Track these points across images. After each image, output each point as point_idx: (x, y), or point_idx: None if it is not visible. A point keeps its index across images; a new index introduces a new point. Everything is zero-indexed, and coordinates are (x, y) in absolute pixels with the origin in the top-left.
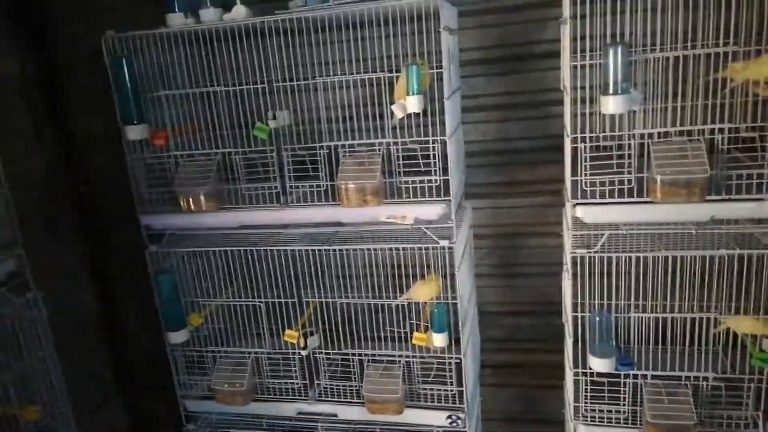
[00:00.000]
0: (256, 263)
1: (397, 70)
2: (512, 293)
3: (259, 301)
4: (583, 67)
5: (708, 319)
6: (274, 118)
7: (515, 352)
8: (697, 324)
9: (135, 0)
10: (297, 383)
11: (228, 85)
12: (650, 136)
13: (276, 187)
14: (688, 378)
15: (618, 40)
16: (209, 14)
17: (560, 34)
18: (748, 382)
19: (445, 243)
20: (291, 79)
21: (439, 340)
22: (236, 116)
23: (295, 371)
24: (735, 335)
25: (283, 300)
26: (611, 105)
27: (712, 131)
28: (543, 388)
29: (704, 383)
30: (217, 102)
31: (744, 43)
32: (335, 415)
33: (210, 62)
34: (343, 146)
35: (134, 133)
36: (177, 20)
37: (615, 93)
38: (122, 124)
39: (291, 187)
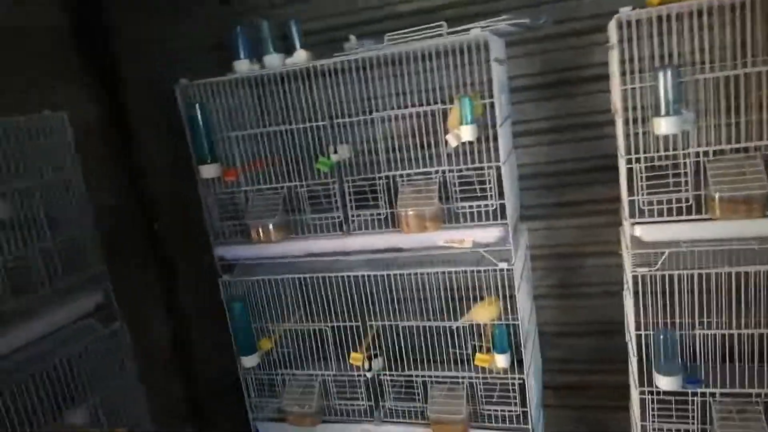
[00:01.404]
0: (322, 289)
1: (450, 101)
2: (571, 314)
3: (325, 325)
4: (633, 89)
5: None
6: (336, 152)
7: (576, 373)
8: (765, 339)
9: (203, 47)
10: (363, 405)
11: (292, 123)
12: (705, 153)
13: (339, 217)
14: (758, 395)
15: (667, 61)
16: (273, 60)
17: (607, 58)
18: None
19: (504, 265)
20: (350, 115)
21: (501, 360)
22: (300, 152)
23: (361, 393)
24: None
25: (347, 324)
26: (663, 126)
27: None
28: (606, 409)
29: None
30: (282, 140)
31: None
32: None
33: (274, 102)
34: (401, 175)
35: (208, 171)
36: (243, 66)
37: (667, 114)
38: (196, 163)
39: (353, 215)
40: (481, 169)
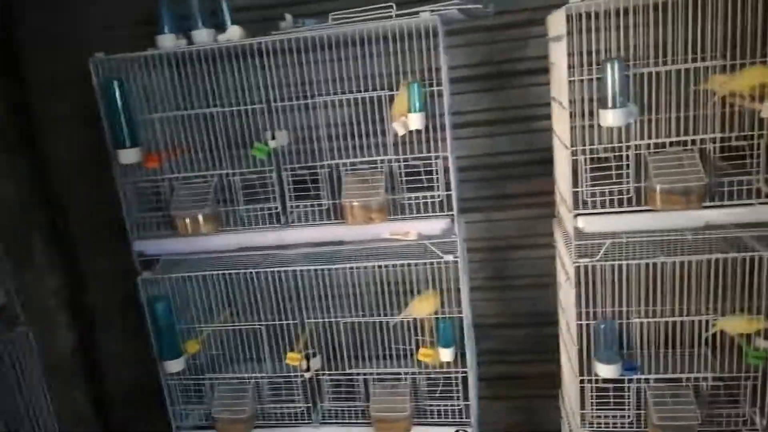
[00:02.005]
0: (256, 285)
1: (396, 87)
2: (504, 305)
3: (259, 324)
4: (581, 81)
5: (704, 321)
6: (273, 138)
7: (509, 363)
8: (695, 327)
9: (124, 21)
10: (300, 407)
11: (224, 105)
12: (647, 146)
13: (276, 207)
14: (689, 379)
15: (611, 55)
16: (203, 36)
17: (546, 51)
18: (744, 380)
19: (449, 257)
20: (289, 99)
21: (446, 354)
22: (233, 137)
23: (298, 394)
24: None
25: (284, 322)
26: (610, 118)
27: (703, 141)
28: (538, 398)
29: (704, 384)
30: (213, 123)
31: (729, 57)
32: None
33: (204, 82)
34: (345, 164)
35: (126, 157)
36: (168, 42)
37: (613, 107)
38: (113, 148)
39: (291, 206)
40: (429, 159)
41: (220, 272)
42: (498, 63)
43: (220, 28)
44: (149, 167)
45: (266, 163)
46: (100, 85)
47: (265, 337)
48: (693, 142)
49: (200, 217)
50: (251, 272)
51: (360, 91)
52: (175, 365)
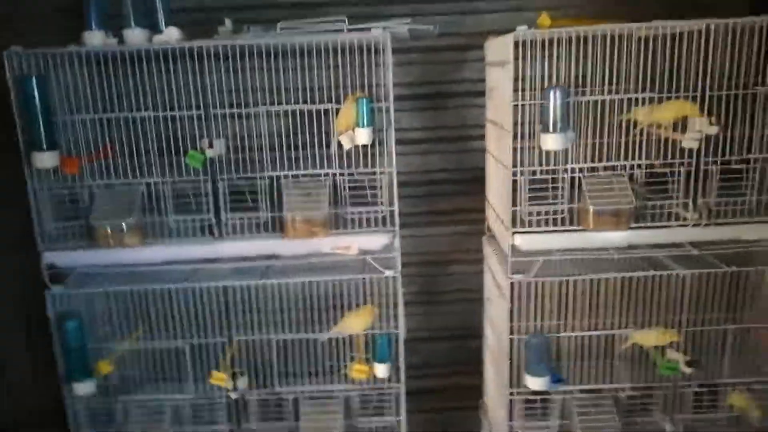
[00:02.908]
0: (181, 301)
1: (336, 101)
2: (431, 319)
3: (183, 342)
4: (516, 106)
5: (623, 335)
6: (210, 146)
7: (433, 377)
8: (615, 340)
9: (45, 15)
10: (224, 429)
11: (157, 110)
12: (581, 170)
13: (209, 219)
14: (609, 390)
15: (552, 82)
16: (136, 36)
17: (481, 74)
18: (657, 389)
19: (390, 273)
20: (230, 106)
21: (382, 370)
22: (165, 143)
23: (222, 416)
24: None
25: (210, 340)
26: (550, 142)
27: (632, 166)
28: (459, 410)
29: (622, 394)
30: (143, 128)
31: (656, 89)
32: None
33: (136, 84)
34: (286, 176)
35: (42, 160)
36: (95, 39)
37: (554, 131)
38: (26, 151)
39: (227, 218)
40: (373, 174)
41: (141, 287)
42: (435, 83)
43: (155, 28)
44: (67, 172)
45: (201, 172)
46: (15, 81)
47: (188, 356)
48: (623, 167)
49: (124, 227)
50: (174, 288)
51: (303, 102)
52: (84, 387)
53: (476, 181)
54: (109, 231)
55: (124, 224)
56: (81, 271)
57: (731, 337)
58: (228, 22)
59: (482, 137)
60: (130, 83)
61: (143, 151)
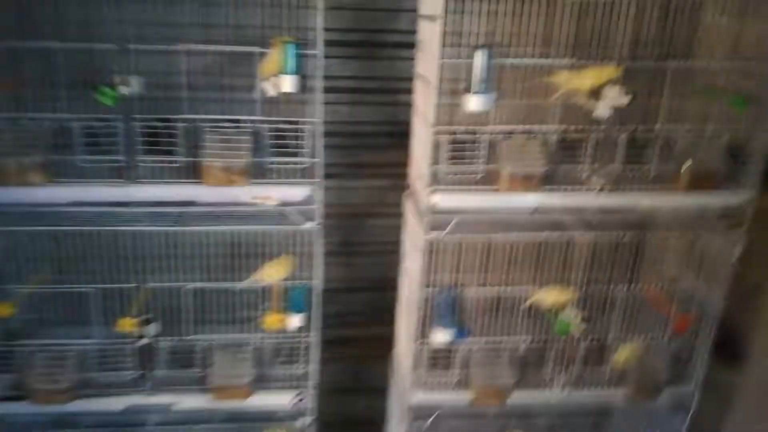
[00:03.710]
0: (89, 245)
1: (265, 44)
2: (349, 271)
3: (89, 287)
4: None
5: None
6: (126, 83)
7: (347, 326)
8: (520, 298)
9: None
10: (131, 375)
11: (68, 40)
12: (499, 132)
13: (121, 161)
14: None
15: (485, 42)
16: None
17: (415, 26)
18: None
19: (309, 225)
20: (147, 42)
21: (296, 321)
22: (76, 77)
23: (129, 362)
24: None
25: (118, 286)
26: (473, 103)
27: (547, 131)
28: (371, 359)
29: (522, 348)
30: (53, 59)
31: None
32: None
33: (45, 12)
34: (205, 120)
35: None
36: None
37: (478, 92)
38: None
39: (140, 161)
40: (296, 123)
41: (46, 228)
42: (368, 32)
43: None
44: None
45: (114, 111)
46: None
47: (95, 301)
48: (539, 131)
49: (28, 166)
50: (84, 231)
51: (228, 42)
52: None
53: (402, 135)
54: (11, 168)
55: (28, 162)
56: None
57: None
58: None
59: (411, 91)
60: (44, 11)
61: (53, 85)
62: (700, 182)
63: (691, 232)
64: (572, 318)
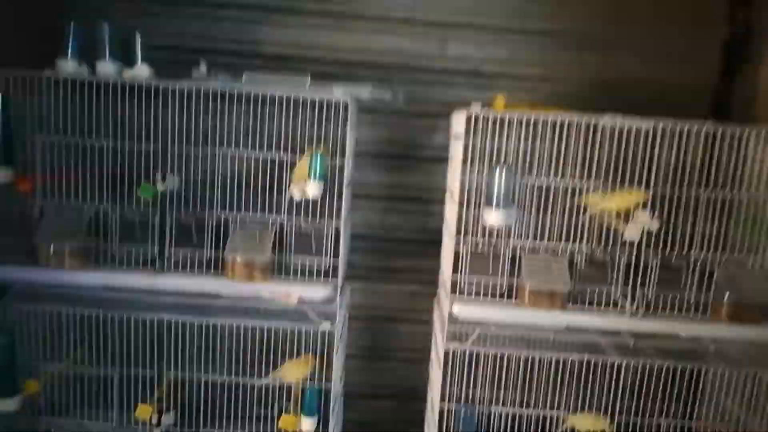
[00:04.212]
0: (117, 330)
1: (301, 153)
2: (375, 376)
3: (112, 371)
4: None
5: (554, 416)
6: (164, 180)
7: None
8: (544, 421)
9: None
10: None
11: (117, 139)
12: (522, 247)
13: (154, 251)
14: None
15: (504, 161)
16: (107, 68)
17: (446, 143)
18: None
19: (327, 325)
20: (188, 144)
21: (307, 424)
22: (120, 173)
23: None
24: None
25: (140, 372)
26: (493, 217)
27: (572, 250)
28: None
29: None
30: (101, 156)
31: (602, 179)
32: None
33: (101, 113)
34: (234, 218)
35: None
36: (69, 68)
37: (497, 207)
38: None
39: (170, 252)
40: (321, 225)
41: (79, 311)
42: (402, 146)
43: (127, 63)
44: (21, 189)
45: (150, 205)
46: None
47: (116, 386)
48: (563, 250)
49: (67, 249)
50: (114, 315)
51: (260, 150)
52: (7, 404)
53: (433, 243)
54: (51, 251)
55: (67, 245)
56: (20, 288)
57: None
58: (203, 65)
59: (441, 202)
60: (94, 112)
61: (97, 177)
62: (744, 314)
63: (744, 367)
64: None
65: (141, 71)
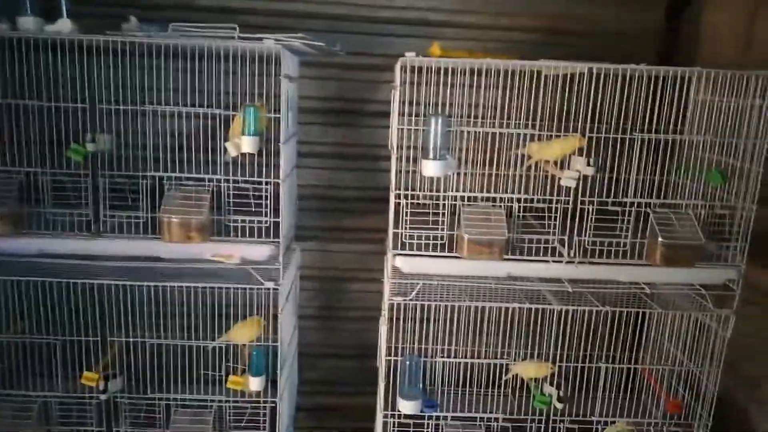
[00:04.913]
0: (55, 296)
1: (236, 108)
2: (333, 336)
3: (54, 339)
4: (409, 130)
5: (503, 365)
6: (94, 141)
7: (331, 395)
8: (492, 369)
9: None
10: (93, 431)
11: (42, 99)
12: (462, 198)
13: (87, 215)
14: (482, 419)
15: (440, 111)
16: (28, 23)
17: (390, 97)
18: (530, 422)
19: (270, 284)
20: (117, 102)
21: (256, 383)
22: (48, 133)
23: (92, 418)
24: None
25: (82, 339)
26: (430, 169)
27: (511, 200)
28: (355, 430)
29: (495, 423)
30: (26, 117)
31: (545, 127)
32: None
33: (21, 72)
34: (170, 178)
35: None
36: None
37: (434, 158)
38: None
39: (105, 215)
40: (260, 183)
41: (14, 278)
42: (348, 100)
43: (50, 17)
44: None
45: (82, 167)
46: None
47: (60, 354)
48: (502, 200)
49: None
50: (50, 282)
51: (192, 106)
52: None
53: (382, 200)
54: None
55: None
56: None
57: (605, 375)
58: (133, 19)
59: (389, 158)
60: (17, 70)
61: (25, 141)
62: (677, 258)
63: (679, 310)
64: (551, 394)
65: (64, 26)
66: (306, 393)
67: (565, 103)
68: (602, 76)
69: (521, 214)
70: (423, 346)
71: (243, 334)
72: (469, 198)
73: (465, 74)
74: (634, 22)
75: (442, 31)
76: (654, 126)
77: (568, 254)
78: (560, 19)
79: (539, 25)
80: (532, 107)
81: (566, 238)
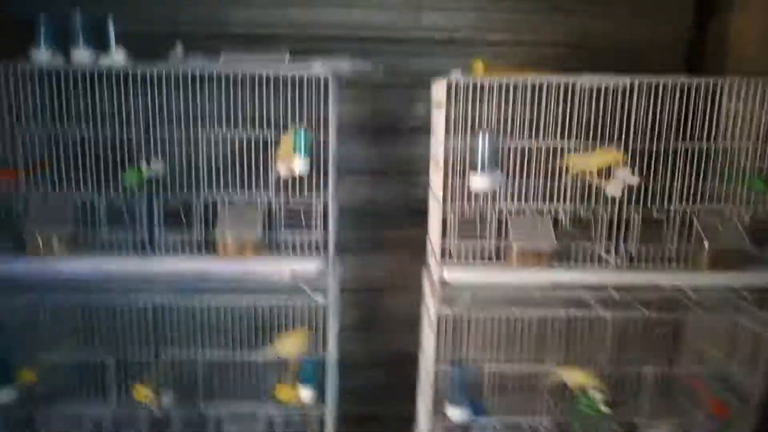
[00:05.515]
0: (112, 315)
1: (284, 130)
2: (369, 346)
3: (108, 358)
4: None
5: (545, 371)
6: (149, 164)
7: (369, 403)
8: (538, 376)
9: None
10: None
11: (100, 127)
12: (508, 210)
13: (142, 236)
14: (528, 425)
15: (486, 127)
16: (82, 56)
17: (428, 113)
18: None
19: (320, 298)
20: (170, 127)
21: (306, 395)
22: (105, 160)
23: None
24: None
25: (137, 355)
26: (478, 183)
27: (556, 210)
28: None
29: (542, 428)
30: (84, 144)
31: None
32: None
33: (79, 102)
34: (223, 199)
35: None
36: (42, 57)
37: (482, 172)
38: None
39: (159, 236)
40: (309, 201)
41: (70, 299)
42: (385, 118)
43: (102, 50)
44: (3, 180)
45: (137, 190)
46: None
47: (113, 371)
48: (549, 211)
49: (55, 238)
50: (106, 300)
51: (244, 129)
52: (4, 395)
53: (420, 214)
54: (39, 240)
55: (55, 234)
56: (8, 279)
57: (651, 379)
58: (179, 47)
59: (426, 172)
60: (73, 101)
61: (82, 166)
62: (722, 262)
63: (724, 314)
64: (597, 400)
65: (117, 57)
66: (344, 401)
67: (600, 116)
68: (634, 88)
69: (565, 223)
70: (465, 355)
71: (289, 345)
72: (516, 210)
73: (501, 90)
74: (663, 34)
75: (469, 50)
76: (688, 135)
77: (615, 262)
78: (586, 34)
79: (564, 40)
80: (565, 121)
81: (613, 245)
